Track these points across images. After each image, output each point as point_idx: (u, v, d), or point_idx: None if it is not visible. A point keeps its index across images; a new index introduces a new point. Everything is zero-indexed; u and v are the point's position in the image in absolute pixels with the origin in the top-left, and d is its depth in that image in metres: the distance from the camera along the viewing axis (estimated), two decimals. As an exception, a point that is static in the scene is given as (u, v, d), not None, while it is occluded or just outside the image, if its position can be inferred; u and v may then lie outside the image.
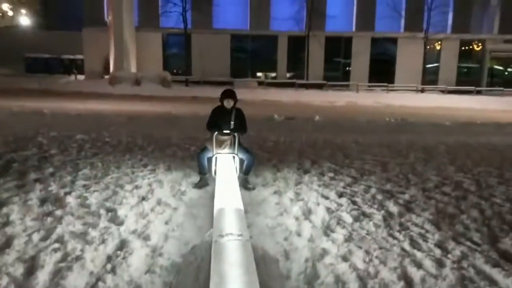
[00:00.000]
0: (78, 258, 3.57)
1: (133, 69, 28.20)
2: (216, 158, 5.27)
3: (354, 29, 33.23)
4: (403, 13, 32.04)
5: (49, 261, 3.48)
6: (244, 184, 5.56)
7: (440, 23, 30.51)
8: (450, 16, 32.67)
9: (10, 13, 51.98)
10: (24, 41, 39.13)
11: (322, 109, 17.27)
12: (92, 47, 30.34)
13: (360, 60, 32.57)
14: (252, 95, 23.03)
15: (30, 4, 46.96)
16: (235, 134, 5.40)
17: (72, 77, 31.06)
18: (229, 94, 5.57)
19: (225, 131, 5.43)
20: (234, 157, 5.27)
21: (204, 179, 5.63)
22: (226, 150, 5.30)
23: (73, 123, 11.03)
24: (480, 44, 32.80)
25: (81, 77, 30.66)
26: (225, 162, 4.91)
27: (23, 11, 51.58)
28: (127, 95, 22.79)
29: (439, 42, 32.60)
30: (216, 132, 5.44)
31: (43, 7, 46.29)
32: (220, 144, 5.39)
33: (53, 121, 11.32)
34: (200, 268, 2.82)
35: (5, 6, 52.20)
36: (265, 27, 32.51)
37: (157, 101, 19.87)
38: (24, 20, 51.88)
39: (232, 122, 5.44)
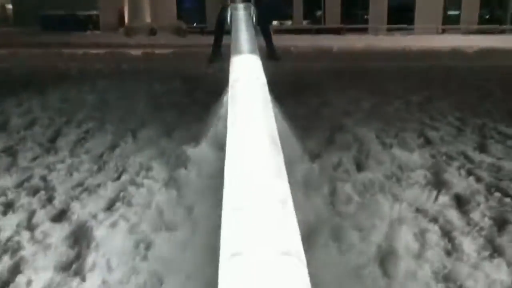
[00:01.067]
0: (99, 130, 3.64)
1: (148, 20, 27.94)
2: (231, 8, 4.97)
3: (371, -29, 32.07)
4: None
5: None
6: (271, 54, 5.29)
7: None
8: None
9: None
10: (38, -1, 38.92)
11: (341, 49, 16.91)
12: (106, 1, 30.06)
13: (379, 5, 31.55)
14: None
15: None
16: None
17: (88, 32, 30.94)
18: None
19: None
20: (249, 6, 4.94)
21: (217, 52, 5.46)
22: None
23: (91, 59, 11.06)
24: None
25: (97, 32, 30.51)
26: (241, 11, 4.69)
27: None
28: (143, 44, 22.62)
29: (461, -20, 31.30)
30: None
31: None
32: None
33: (71, 58, 11.37)
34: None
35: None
36: (280, -26, 31.64)
37: (174, 48, 19.68)
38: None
39: None
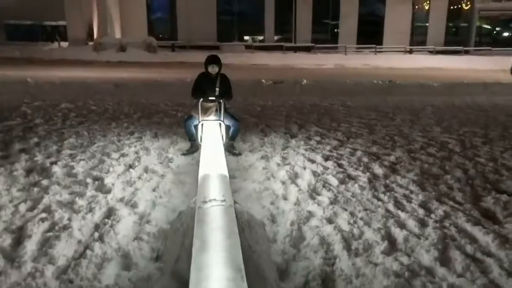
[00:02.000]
0: (65, 227, 3.59)
1: (118, 35, 27.59)
2: (202, 125, 5.22)
3: (342, -12, 32.65)
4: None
5: (36, 231, 3.50)
6: (230, 150, 5.56)
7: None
8: (439, -26, 32.20)
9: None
10: (3, 7, 37.90)
11: (310, 72, 17.17)
12: (74, 13, 29.46)
13: (348, 22, 32.14)
14: (239, 59, 22.76)
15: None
16: (221, 100, 5.34)
17: (55, 44, 30.28)
18: (213, 59, 5.47)
19: (210, 98, 5.37)
20: (220, 124, 5.23)
21: (195, 145, 5.61)
22: (212, 116, 5.25)
23: (58, 92, 10.86)
24: (468, 2, 32.48)
25: (64, 44, 29.90)
26: (211, 129, 4.88)
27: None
28: (112, 61, 22.41)
29: (428, 2, 32.21)
30: (202, 99, 5.38)
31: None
32: (205, 111, 5.32)
33: (37, 90, 11.13)
34: (186, 234, 2.85)
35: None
36: (251, -12, 31.85)
37: (143, 67, 19.56)
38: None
39: (217, 89, 5.37)
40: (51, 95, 10.32)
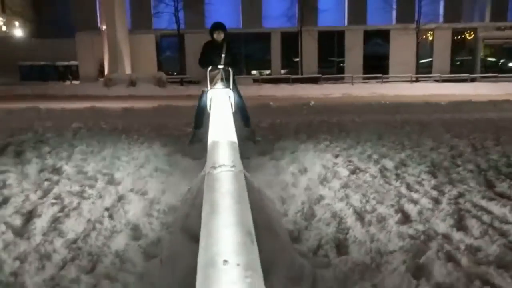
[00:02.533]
0: (75, 209, 3.58)
1: (128, 71, 28.18)
2: (210, 93, 5.10)
3: (346, 23, 33.33)
4: (394, 5, 32.15)
5: (46, 212, 3.49)
6: (250, 138, 5.41)
7: (431, 12, 30.59)
8: (441, 5, 32.82)
9: (4, 28, 52.08)
10: (19, 50, 39.08)
11: (318, 100, 17.25)
12: (86, 52, 30.36)
13: (354, 53, 32.62)
14: (247, 91, 22.93)
15: (23, 14, 46.97)
16: (229, 68, 5.27)
17: (67, 82, 31.01)
18: (218, 25, 5.44)
19: (218, 66, 5.26)
20: (228, 91, 5.10)
21: (197, 133, 5.55)
22: (220, 84, 5.20)
23: (69, 116, 11.00)
24: (472, 32, 32.91)
25: (76, 82, 30.61)
26: (220, 97, 4.82)
27: (17, 23, 51.67)
28: (122, 96, 22.76)
29: (432, 32, 32.71)
30: (210, 67, 5.28)
31: (36, 15, 46.31)
32: (213, 79, 5.25)
33: (49, 115, 11.30)
34: (196, 197, 2.82)
35: (-1, 20, 52.37)
36: (257, 25, 32.60)
37: (153, 99, 19.82)
38: (18, 31, 51.94)
39: (223, 56, 5.34)
40: (62, 119, 10.45)
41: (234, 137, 3.14)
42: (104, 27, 27.96)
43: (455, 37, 33.00)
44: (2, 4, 53.26)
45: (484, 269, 2.50)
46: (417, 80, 30.42)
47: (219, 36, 5.43)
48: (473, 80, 30.26)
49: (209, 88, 5.09)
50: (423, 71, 31.99)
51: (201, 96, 5.50)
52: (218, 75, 5.27)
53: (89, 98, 20.73)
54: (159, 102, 14.69)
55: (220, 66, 5.29)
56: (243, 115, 5.48)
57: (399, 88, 25.94)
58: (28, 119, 10.43)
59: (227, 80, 5.28)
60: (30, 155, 5.79)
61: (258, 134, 7.71)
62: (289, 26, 31.65)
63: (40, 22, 46.66)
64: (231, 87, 5.17)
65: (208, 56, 5.41)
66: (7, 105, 13.13)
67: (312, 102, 13.46)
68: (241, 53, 30.25)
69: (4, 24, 51.94)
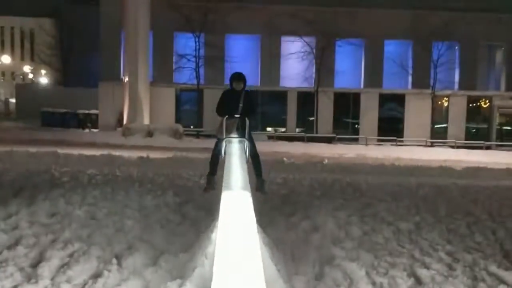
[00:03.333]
0: (84, 253, 3.57)
1: (146, 121, 28.72)
2: (226, 141, 5.11)
3: (362, 85, 33.91)
4: (410, 70, 32.73)
5: (55, 255, 3.48)
6: (260, 188, 5.38)
7: (446, 79, 31.03)
8: (457, 73, 33.29)
9: (31, 75, 54.22)
10: (42, 97, 40.40)
11: (332, 159, 17.27)
12: (107, 101, 31.19)
13: (369, 115, 32.90)
14: (262, 147, 23.06)
15: (50, 63, 48.91)
16: (245, 117, 5.30)
17: (87, 130, 31.67)
18: (238, 76, 5.55)
19: (235, 115, 5.31)
20: (243, 141, 5.11)
21: (212, 180, 5.55)
22: (235, 133, 5.20)
23: (85, 163, 11.19)
24: (487, 100, 33.14)
25: (95, 130, 31.25)
26: (235, 145, 4.85)
27: (43, 71, 53.74)
28: (139, 145, 23.06)
29: (447, 98, 33.02)
30: (226, 116, 5.32)
31: (63, 65, 48.09)
32: (229, 128, 5.25)
33: (66, 160, 11.50)
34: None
35: (26, 68, 54.53)
36: (275, 84, 33.35)
37: (169, 150, 20.04)
38: (43, 79, 53.88)
39: (240, 105, 5.38)
40: (79, 165, 10.62)
41: (248, 186, 3.15)
42: (126, 78, 28.88)
43: (470, 104, 33.23)
44: (32, 52, 55.74)
45: None
46: (431, 145, 30.38)
47: (238, 85, 5.56)
48: (488, 147, 30.13)
49: (224, 136, 5.15)
50: (438, 136, 32.02)
51: (216, 144, 5.57)
52: (234, 124, 5.33)
53: (106, 146, 21.04)
54: (174, 153, 14.86)
55: (237, 116, 5.37)
56: (256, 165, 5.50)
57: (414, 152, 25.88)
58: (46, 163, 10.61)
59: (243, 128, 5.33)
60: (43, 196, 5.84)
61: (271, 188, 7.71)
62: (306, 86, 32.31)
63: (66, 71, 48.43)
64: (246, 136, 5.21)
65: (226, 105, 5.51)
66: (27, 149, 13.38)
67: (326, 161, 13.50)
68: (257, 103, 30.68)
69: (31, 72, 54.10)
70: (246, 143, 5.03)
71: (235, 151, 4.58)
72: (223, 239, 2.48)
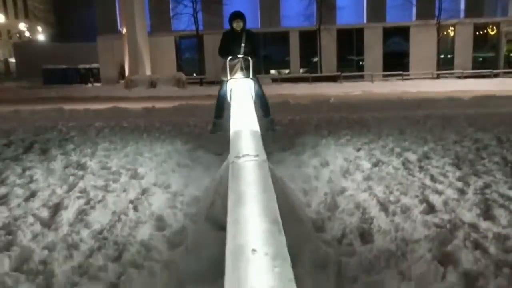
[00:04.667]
0: (100, 201, 3.64)
1: (148, 72, 28.50)
2: (230, 83, 5.09)
3: (365, 20, 33.04)
4: (414, 1, 31.72)
5: (72, 205, 3.56)
6: (269, 127, 5.39)
7: (452, 8, 30.13)
8: (462, 1, 32.25)
9: (27, 33, 53.27)
10: (41, 54, 39.99)
11: (338, 97, 17.13)
12: (107, 55, 30.82)
13: (373, 51, 32.33)
14: (266, 90, 22.91)
15: (45, 19, 48.00)
16: (248, 57, 5.26)
17: (89, 85, 31.54)
18: (237, 15, 5.43)
19: (238, 56, 5.25)
20: (248, 81, 5.09)
21: (218, 123, 5.57)
22: (239, 74, 5.19)
23: (91, 116, 11.21)
24: (494, 27, 32.28)
25: (97, 84, 31.12)
26: (240, 86, 4.84)
27: (39, 28, 52.77)
28: (143, 97, 22.98)
29: (453, 28, 32.18)
30: (229, 57, 5.26)
31: (58, 20, 47.23)
32: (233, 69, 5.24)
33: (72, 115, 11.52)
34: (220, 185, 2.84)
35: (22, 25, 53.54)
36: (276, 24, 32.60)
37: (173, 99, 19.94)
38: (40, 35, 53.05)
39: (243, 45, 5.33)
40: (85, 118, 10.65)
41: (256, 127, 3.14)
42: (124, 30, 28.34)
43: (477, 33, 32.41)
44: (25, 9, 54.57)
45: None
46: (438, 77, 30.00)
47: (238, 25, 5.43)
48: (496, 75, 29.69)
49: (228, 77, 5.10)
50: (444, 67, 31.52)
51: (221, 86, 5.52)
52: (237, 64, 5.26)
53: (110, 99, 21.01)
54: (179, 102, 14.77)
55: (240, 56, 5.28)
56: (263, 104, 5.48)
57: (420, 85, 25.62)
58: (53, 119, 10.64)
59: (247, 69, 5.26)
60: (55, 152, 5.91)
61: (278, 130, 7.71)
62: (308, 25, 31.55)
63: (62, 26, 47.62)
64: (251, 76, 5.15)
65: (228, 46, 5.40)
66: (31, 107, 13.38)
67: (332, 99, 13.39)
68: (259, 43, 30.07)
69: (27, 29, 53.17)
70: (252, 82, 4.98)
71: (240, 91, 4.55)
72: (235, 177, 2.51)
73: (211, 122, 6.17)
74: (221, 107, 5.56)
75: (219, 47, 5.52)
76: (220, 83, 5.53)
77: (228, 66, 5.19)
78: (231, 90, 4.88)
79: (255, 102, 4.74)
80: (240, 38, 5.38)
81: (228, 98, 4.97)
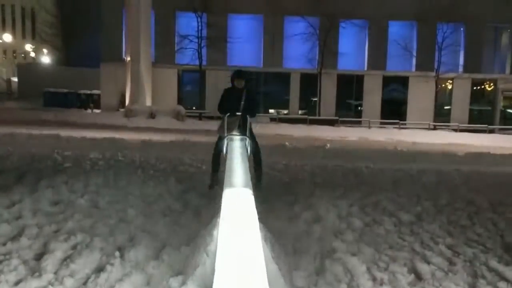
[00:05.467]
0: (87, 246, 3.60)
1: (149, 103, 28.69)
2: (227, 139, 5.12)
3: (366, 67, 33.65)
4: (414, 52, 32.42)
5: (59, 248, 3.51)
6: (257, 183, 5.38)
7: (451, 62, 30.78)
8: (461, 56, 32.97)
9: (32, 54, 53.94)
10: (44, 77, 40.33)
11: (334, 143, 17.25)
12: (109, 82, 31.06)
13: (372, 98, 32.77)
14: (264, 129, 23.06)
15: (52, 42, 48.71)
16: (246, 115, 5.30)
17: (89, 110, 31.67)
18: (240, 74, 5.52)
19: (236, 113, 5.30)
20: (245, 138, 5.12)
21: (215, 177, 5.59)
22: (236, 131, 5.22)
23: (88, 146, 11.19)
24: (491, 83, 32.91)
25: (97, 111, 31.25)
26: (237, 143, 4.87)
27: (45, 50, 53.46)
28: (141, 127, 23.08)
29: (451, 81, 32.80)
30: (228, 114, 5.32)
31: (65, 44, 47.95)
32: (231, 126, 5.27)
33: (68, 143, 11.51)
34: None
35: (28, 46, 54.25)
36: (278, 65, 33.12)
37: (171, 132, 20.04)
38: (45, 58, 53.66)
39: (242, 103, 5.38)
40: (81, 148, 10.63)
41: (249, 184, 3.15)
42: (128, 59, 28.72)
43: (475, 88, 33.02)
44: (33, 31, 55.42)
45: None
46: (435, 128, 30.29)
47: (239, 83, 5.53)
48: (491, 131, 30.03)
49: (226, 134, 5.16)
50: (441, 119, 31.91)
51: (217, 142, 5.58)
52: (236, 121, 5.33)
53: (108, 127, 21.07)
54: (177, 135, 14.84)
55: (239, 113, 5.37)
56: (257, 161, 5.55)
57: (417, 135, 25.82)
58: (49, 146, 10.62)
59: (244, 126, 5.34)
60: (46, 183, 5.86)
61: (272, 175, 7.73)
62: (309, 67, 32.07)
63: (67, 51, 48.29)
64: (247, 134, 5.22)
65: (228, 102, 5.49)
66: (29, 131, 13.42)
67: (328, 145, 13.47)
68: (258, 102, 30.38)
69: (33, 50, 53.83)
70: (248, 140, 5.03)
71: (236, 149, 4.59)
72: (225, 238, 2.50)
73: (209, 175, 6.17)
74: (217, 163, 5.64)
75: (219, 103, 5.63)
76: (218, 138, 5.58)
77: (226, 123, 5.26)
78: (227, 145, 4.93)
79: (250, 159, 4.77)
80: (240, 96, 5.52)
81: (224, 153, 5.01)
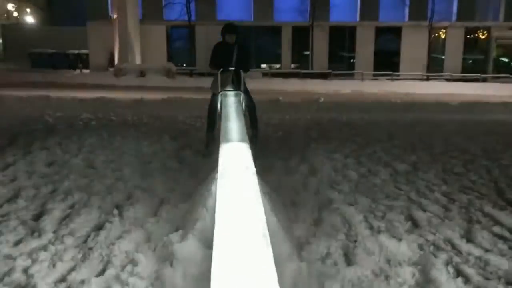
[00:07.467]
0: (85, 205, 3.60)
1: (138, 61, 28.21)
2: (221, 95, 5.05)
3: (358, 18, 33.03)
4: (407, 1, 31.79)
5: (57, 207, 3.51)
6: (253, 139, 5.35)
7: (444, 10, 30.25)
8: (455, 4, 32.39)
9: (15, 13, 52.14)
10: (29, 37, 39.20)
11: (328, 96, 17.17)
12: (97, 41, 30.35)
13: (365, 50, 32.36)
14: (257, 85, 22.80)
15: (35, 1, 47.05)
16: (240, 71, 5.21)
17: (78, 71, 31.10)
18: (230, 28, 5.36)
19: (229, 68, 5.18)
20: (239, 94, 5.05)
21: (211, 136, 5.53)
22: (230, 87, 5.14)
23: (79, 106, 11.05)
24: (485, 31, 32.51)
25: (86, 71, 30.70)
26: (231, 99, 4.80)
27: (28, 9, 51.72)
28: (132, 86, 22.77)
29: (444, 30, 32.36)
30: (221, 69, 5.20)
31: (48, 3, 46.40)
32: (224, 81, 5.18)
33: (59, 104, 11.34)
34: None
35: (10, 6, 52.38)
36: (268, 18, 32.41)
37: (162, 90, 19.81)
38: (29, 18, 51.99)
39: (234, 58, 5.27)
40: (72, 109, 10.50)
41: (245, 138, 3.13)
42: (115, 16, 27.96)
43: (468, 36, 32.63)
44: (14, -11, 53.37)
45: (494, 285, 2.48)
46: (428, 79, 30.17)
47: (230, 38, 5.36)
48: (484, 80, 29.96)
49: (219, 90, 5.05)
50: (434, 69, 31.72)
51: (212, 99, 5.47)
52: (229, 77, 5.20)
53: (99, 87, 20.76)
54: (168, 94, 14.67)
55: (231, 68, 5.22)
56: (252, 117, 5.47)
57: (410, 86, 25.79)
58: (39, 107, 10.48)
59: (238, 81, 5.21)
60: (40, 145, 5.81)
61: (267, 130, 7.70)
62: (301, 20, 31.45)
63: (51, 9, 46.76)
64: (241, 89, 5.11)
65: (220, 58, 5.33)
66: (18, 93, 13.19)
67: (322, 99, 13.41)
68: (253, 55, 29.83)
69: (15, 10, 52.07)
70: (242, 95, 4.94)
71: (231, 105, 4.51)
72: (223, 193, 2.49)
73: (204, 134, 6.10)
74: (213, 121, 5.50)
75: (210, 58, 5.45)
76: (212, 95, 5.47)
77: (219, 79, 5.12)
78: (221, 102, 4.83)
79: (245, 115, 4.71)
80: (232, 50, 5.32)
81: (219, 110, 4.91)
